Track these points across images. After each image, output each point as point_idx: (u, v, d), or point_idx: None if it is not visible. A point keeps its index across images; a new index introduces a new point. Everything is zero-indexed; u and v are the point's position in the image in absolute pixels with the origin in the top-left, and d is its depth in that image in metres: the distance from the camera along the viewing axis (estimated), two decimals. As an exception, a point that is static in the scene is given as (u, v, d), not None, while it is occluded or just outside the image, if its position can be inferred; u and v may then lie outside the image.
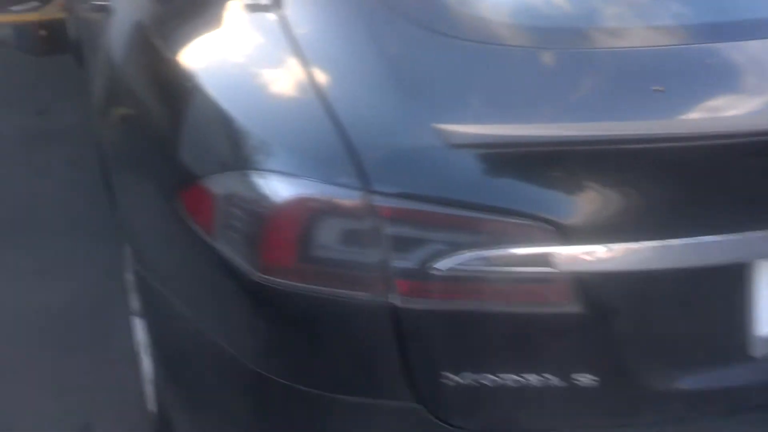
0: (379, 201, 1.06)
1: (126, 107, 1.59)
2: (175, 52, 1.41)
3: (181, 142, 1.30)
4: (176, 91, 1.36)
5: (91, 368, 2.09)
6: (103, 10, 1.78)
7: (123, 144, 1.59)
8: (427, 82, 1.16)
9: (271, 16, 1.31)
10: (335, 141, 1.10)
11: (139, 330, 1.90)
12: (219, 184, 1.17)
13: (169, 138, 1.33)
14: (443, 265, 1.06)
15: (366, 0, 1.28)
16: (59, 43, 4.60)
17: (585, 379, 1.11)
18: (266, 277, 1.11)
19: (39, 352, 2.15)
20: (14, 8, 5.48)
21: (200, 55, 1.38)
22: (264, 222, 1.11)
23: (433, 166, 1.07)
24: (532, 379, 1.11)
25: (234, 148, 1.19)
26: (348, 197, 1.07)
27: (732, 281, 1.12)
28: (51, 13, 5.33)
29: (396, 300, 1.08)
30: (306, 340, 1.17)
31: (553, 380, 1.11)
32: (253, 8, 1.37)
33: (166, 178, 1.34)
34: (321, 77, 1.18)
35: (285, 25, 1.27)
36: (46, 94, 3.90)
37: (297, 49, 1.23)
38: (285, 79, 1.23)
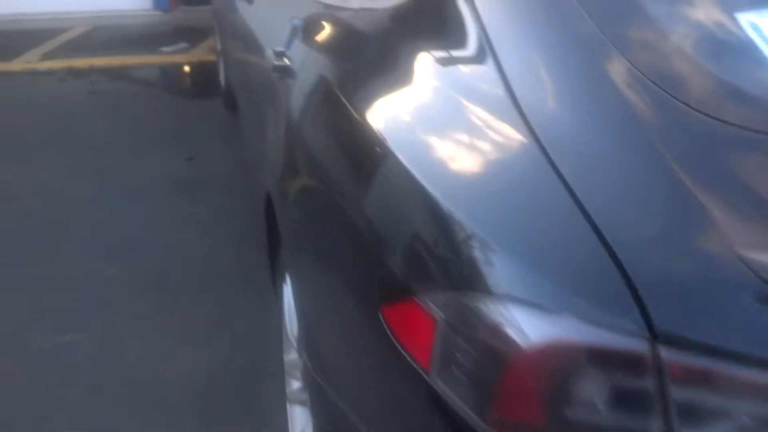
0: (666, 354, 0.80)
1: (315, 185, 1.39)
2: (377, 125, 1.20)
3: (387, 241, 1.08)
4: (382, 176, 1.15)
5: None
6: (284, 71, 1.61)
7: (307, 227, 1.39)
8: (730, 192, 0.89)
9: (485, 72, 1.10)
10: (602, 264, 0.84)
11: (298, 423, 1.69)
12: (440, 306, 0.94)
13: (369, 233, 1.12)
14: (754, 446, 0.78)
15: (616, 66, 1.03)
16: (208, 87, 4.62)
17: None
18: (497, 432, 0.86)
19: (182, 426, 1.99)
20: (164, 49, 5.61)
21: (406, 129, 1.17)
22: (503, 364, 0.86)
23: (743, 311, 0.80)
24: None
25: (462, 261, 0.95)
26: (622, 345, 0.81)
27: None
28: (200, 55, 5.42)
29: (683, 486, 0.80)
30: None
31: None
32: (456, 60, 1.16)
33: (362, 281, 1.12)
34: (569, 167, 0.94)
35: (506, 87, 1.05)
36: (194, 139, 3.87)
37: (526, 121, 1.01)
38: (518, 166, 1.00)
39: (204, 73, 4.98)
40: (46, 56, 5.29)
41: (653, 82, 1.00)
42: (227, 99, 3.98)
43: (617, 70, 1.04)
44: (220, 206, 3.14)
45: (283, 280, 1.75)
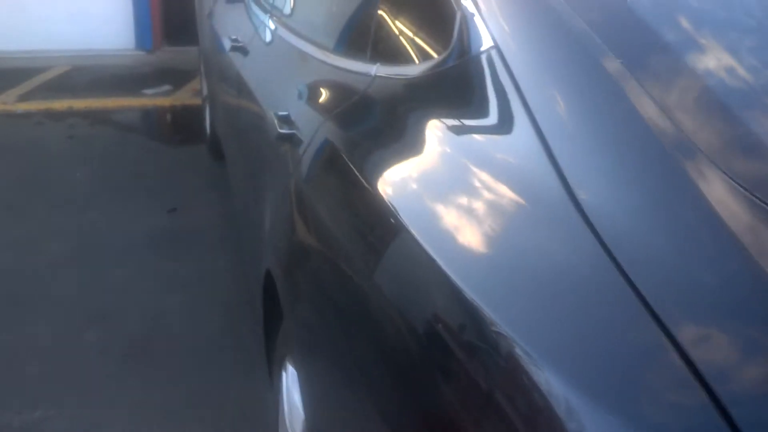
0: None
1: (332, 272, 1.21)
2: (406, 212, 1.04)
3: (425, 357, 0.91)
4: (415, 272, 0.98)
5: None
6: (289, 139, 1.45)
7: (320, 318, 1.21)
8: None
9: (529, 152, 0.96)
10: (704, 416, 0.68)
11: None
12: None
13: (400, 344, 0.95)
14: None
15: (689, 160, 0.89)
16: (192, 133, 4.45)
17: None
18: None
19: None
20: (146, 91, 5.44)
21: (439, 217, 1.02)
22: None
23: None
24: None
25: (523, 399, 0.79)
26: None
27: None
28: (183, 98, 5.26)
29: None
30: None
31: None
32: (492, 131, 1.02)
33: (395, 404, 0.95)
34: (644, 279, 0.78)
35: (559, 174, 0.92)
36: (176, 189, 3.68)
37: (581, 212, 0.87)
38: (584, 277, 0.84)
39: (188, 118, 4.81)
40: (23, 97, 5.10)
41: (743, 188, 0.86)
42: (212, 146, 3.82)
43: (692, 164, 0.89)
44: (205, 265, 2.95)
45: (282, 366, 1.57)
